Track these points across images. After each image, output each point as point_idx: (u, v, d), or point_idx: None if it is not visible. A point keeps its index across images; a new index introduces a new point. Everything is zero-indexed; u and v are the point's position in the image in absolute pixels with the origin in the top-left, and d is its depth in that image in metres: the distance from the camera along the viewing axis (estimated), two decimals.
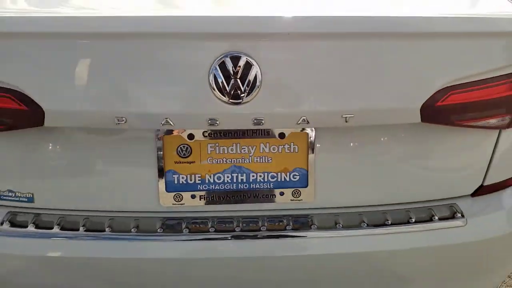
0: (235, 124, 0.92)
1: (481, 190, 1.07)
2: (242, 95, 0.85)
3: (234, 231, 0.96)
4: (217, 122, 0.86)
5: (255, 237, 0.97)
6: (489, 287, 1.19)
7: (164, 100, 0.88)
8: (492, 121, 0.99)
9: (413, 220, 1.00)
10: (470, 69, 0.92)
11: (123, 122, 0.86)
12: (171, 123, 0.87)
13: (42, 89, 0.86)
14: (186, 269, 0.99)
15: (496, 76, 0.94)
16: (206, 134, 0.95)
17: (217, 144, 0.96)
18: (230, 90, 0.84)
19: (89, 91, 0.86)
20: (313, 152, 0.97)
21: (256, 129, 0.95)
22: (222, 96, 0.85)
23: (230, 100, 0.85)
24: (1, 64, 0.86)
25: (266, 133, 0.96)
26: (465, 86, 0.93)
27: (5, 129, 0.90)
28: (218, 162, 0.97)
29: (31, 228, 0.95)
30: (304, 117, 0.88)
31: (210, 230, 0.96)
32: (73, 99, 0.86)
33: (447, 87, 0.91)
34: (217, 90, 0.84)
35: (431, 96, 0.90)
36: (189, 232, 0.96)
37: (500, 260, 1.11)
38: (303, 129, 0.95)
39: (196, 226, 0.97)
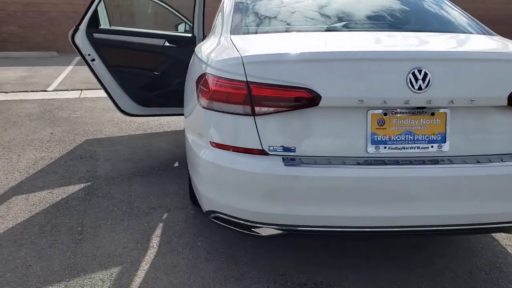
0: (418, 103, 1.73)
1: None
2: (423, 88, 1.69)
3: (409, 163, 1.75)
4: (409, 102, 1.70)
5: (419, 164, 1.75)
6: None
7: (384, 92, 1.71)
8: None
9: (503, 160, 1.79)
10: None
11: (360, 102, 1.69)
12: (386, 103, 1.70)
13: (321, 87, 1.70)
14: (375, 181, 1.73)
15: None
16: (393, 112, 1.76)
17: (396, 119, 1.78)
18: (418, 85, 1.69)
19: (344, 87, 1.70)
20: (447, 124, 1.79)
21: (417, 110, 1.76)
22: (413, 88, 1.69)
23: (417, 90, 1.69)
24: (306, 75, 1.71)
25: (424, 113, 1.78)
26: None
27: (299, 107, 1.72)
28: (397, 129, 1.78)
29: (297, 163, 1.74)
30: (452, 100, 1.72)
31: (394, 163, 1.75)
32: (337, 91, 1.70)
33: None
34: (411, 85, 1.69)
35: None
36: (385, 164, 1.75)
37: None
38: (443, 110, 1.77)
39: (389, 162, 1.76)
